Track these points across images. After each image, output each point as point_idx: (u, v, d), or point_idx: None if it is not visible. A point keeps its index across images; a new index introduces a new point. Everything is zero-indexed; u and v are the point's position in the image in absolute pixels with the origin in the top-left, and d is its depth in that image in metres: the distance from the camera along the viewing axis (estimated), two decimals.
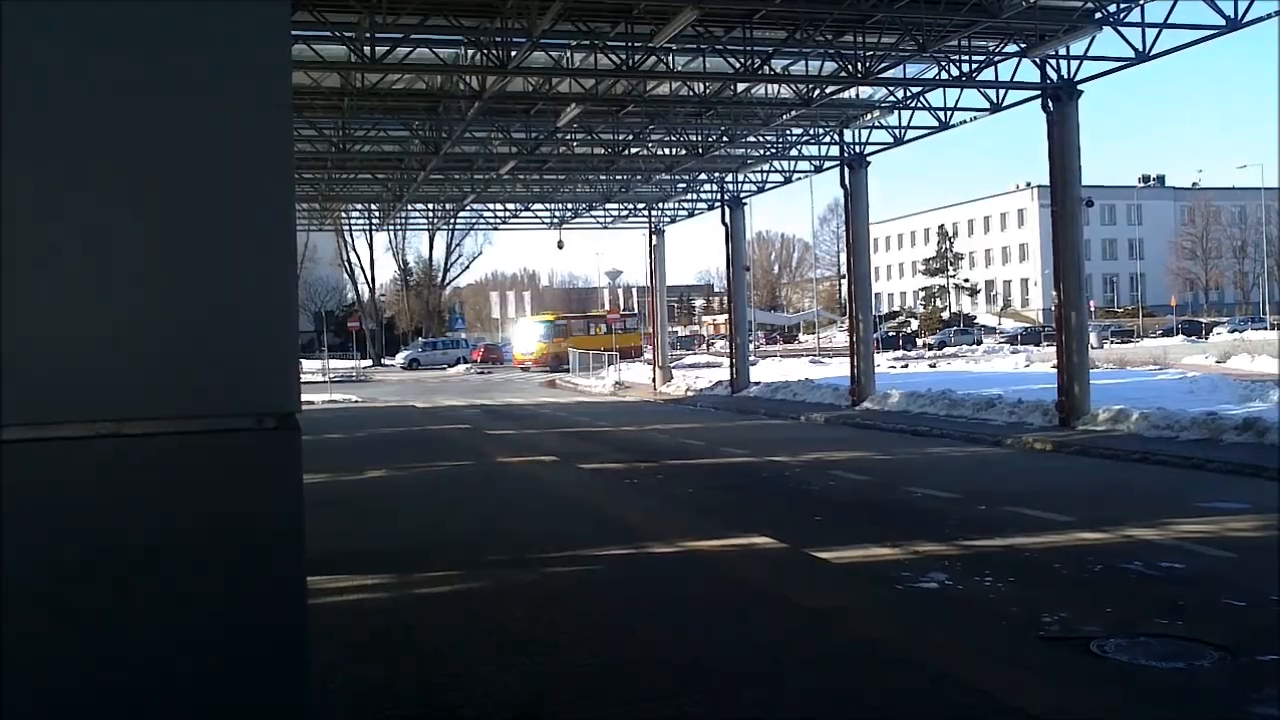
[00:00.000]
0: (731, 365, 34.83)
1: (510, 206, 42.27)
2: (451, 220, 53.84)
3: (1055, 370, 21.52)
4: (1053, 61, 21.27)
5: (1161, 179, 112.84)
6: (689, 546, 9.83)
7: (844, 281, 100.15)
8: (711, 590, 8.30)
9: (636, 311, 68.42)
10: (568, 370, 52.91)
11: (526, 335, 63.89)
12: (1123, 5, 19.35)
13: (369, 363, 70.99)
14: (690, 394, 35.96)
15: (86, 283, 1.93)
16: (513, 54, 18.55)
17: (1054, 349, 22.34)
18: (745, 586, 8.34)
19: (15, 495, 1.87)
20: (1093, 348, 25.08)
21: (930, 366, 47.50)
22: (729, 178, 35.70)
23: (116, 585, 1.93)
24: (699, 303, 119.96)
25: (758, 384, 33.88)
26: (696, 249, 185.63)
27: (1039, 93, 21.61)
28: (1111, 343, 63.19)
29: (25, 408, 1.89)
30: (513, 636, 6.96)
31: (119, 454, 1.94)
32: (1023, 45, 21.16)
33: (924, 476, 14.84)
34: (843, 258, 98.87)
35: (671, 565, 9.16)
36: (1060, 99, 20.93)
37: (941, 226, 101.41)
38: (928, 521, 11.39)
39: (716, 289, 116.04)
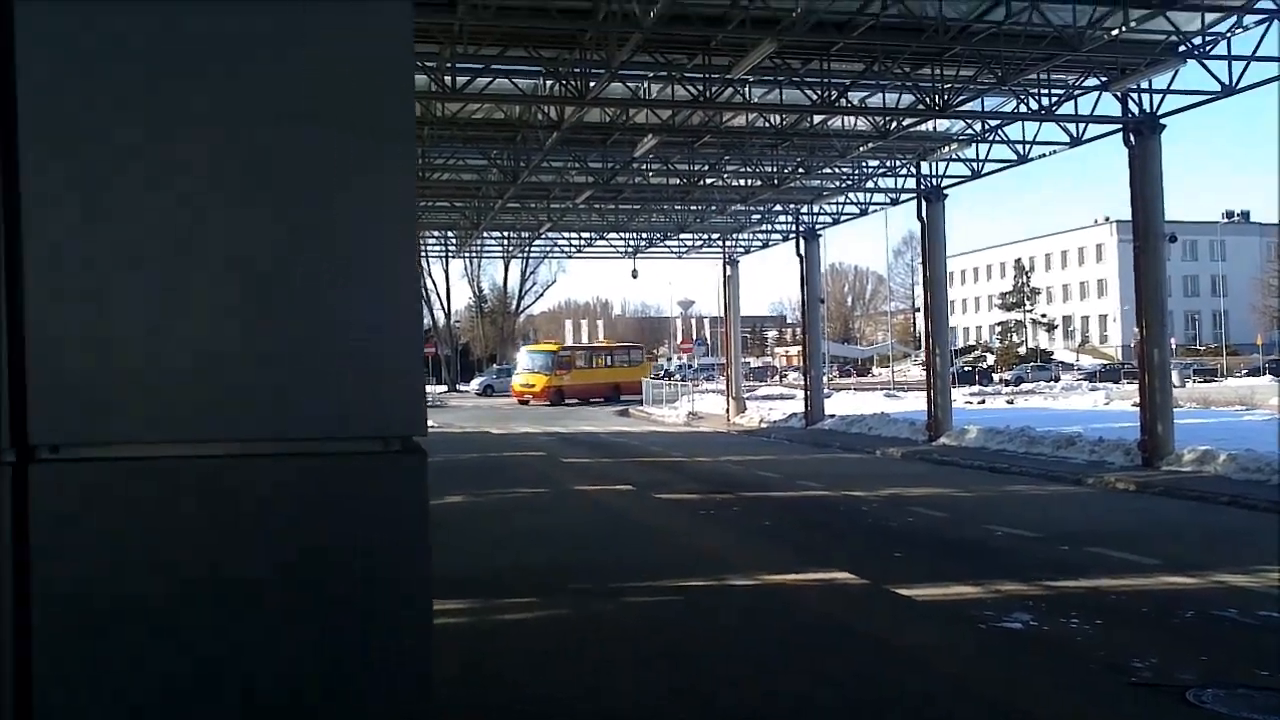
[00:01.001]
0: (806, 398, 34.58)
1: (585, 235, 42.53)
2: (526, 248, 54.28)
3: (1136, 408, 21.11)
4: (1134, 95, 20.96)
5: (1246, 214, 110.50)
6: (769, 580, 9.80)
7: (918, 315, 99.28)
8: (792, 624, 8.26)
9: (639, 344, 67.63)
10: (570, 405, 52.45)
11: (526, 366, 58.35)
12: (1208, 38, 19.04)
13: (444, 388, 71.65)
14: (764, 426, 35.76)
15: (216, 302, 1.96)
16: (591, 85, 18.72)
17: (1134, 386, 21.96)
18: (827, 622, 8.29)
19: (138, 511, 1.90)
20: (1175, 386, 24.55)
21: (1008, 402, 46.82)
22: (804, 209, 35.62)
23: (243, 605, 1.95)
24: (771, 334, 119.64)
25: (832, 417, 33.62)
26: (769, 280, 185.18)
27: (1120, 127, 21.30)
28: (1194, 381, 61.75)
29: (155, 425, 1.93)
30: (591, 664, 6.97)
31: (247, 473, 1.98)
32: (1104, 79, 20.90)
33: (1004, 514, 14.61)
34: (917, 290, 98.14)
35: (751, 598, 9.13)
36: (1142, 133, 20.61)
37: (1018, 260, 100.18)
38: (1009, 560, 11.20)
39: (789, 320, 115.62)
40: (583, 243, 44.04)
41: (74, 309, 1.91)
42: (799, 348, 63.88)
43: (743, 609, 8.90)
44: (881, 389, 58.00)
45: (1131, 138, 20.72)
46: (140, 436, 1.93)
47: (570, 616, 8.55)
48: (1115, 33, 17.61)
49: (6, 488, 1.86)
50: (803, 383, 36.98)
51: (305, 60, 2.03)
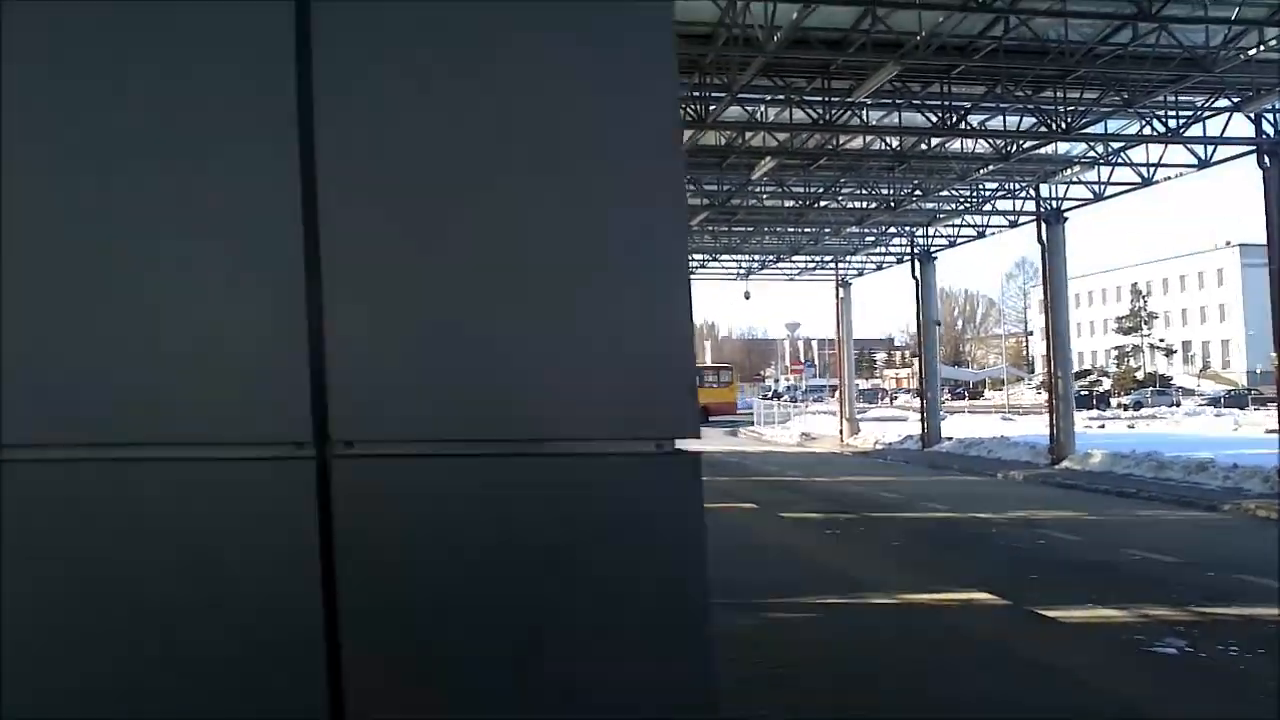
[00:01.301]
0: (922, 419, 34.26)
1: (698, 257, 42.68)
2: None
3: (1270, 435, 20.59)
4: (1269, 115, 20.50)
5: None
6: (907, 599, 9.83)
7: (1030, 338, 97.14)
8: (938, 642, 8.28)
9: (729, 365, 66.53)
10: None
11: None
12: None
13: None
14: (879, 447, 35.48)
15: (504, 303, 2.06)
16: (711, 108, 18.94)
17: (1262, 413, 21.36)
18: (973, 640, 8.30)
19: (428, 506, 2.02)
20: None
21: (1129, 427, 45.72)
22: (919, 231, 35.36)
23: (528, 600, 2.03)
24: (880, 356, 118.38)
25: (949, 439, 33.23)
26: (879, 302, 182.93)
27: (1253, 148, 20.84)
28: None
29: (443, 423, 2.05)
30: (739, 679, 7.09)
31: (529, 473, 2.06)
32: (1236, 99, 20.46)
33: (1139, 539, 14.34)
34: (1029, 314, 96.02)
35: (893, 616, 9.18)
36: (1278, 154, 20.13)
37: (1135, 284, 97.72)
38: (1152, 584, 11.02)
39: (897, 343, 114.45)
40: (696, 264, 44.20)
41: (368, 308, 2.02)
42: (909, 370, 63.15)
43: (886, 627, 8.94)
44: (995, 412, 57.01)
45: (1265, 160, 20.25)
46: (428, 434, 2.03)
47: (714, 632, 8.65)
48: (1252, 53, 17.28)
49: (312, 481, 1.97)
50: (914, 405, 36.64)
51: (584, 65, 2.13)
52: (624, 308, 2.10)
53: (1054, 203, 28.69)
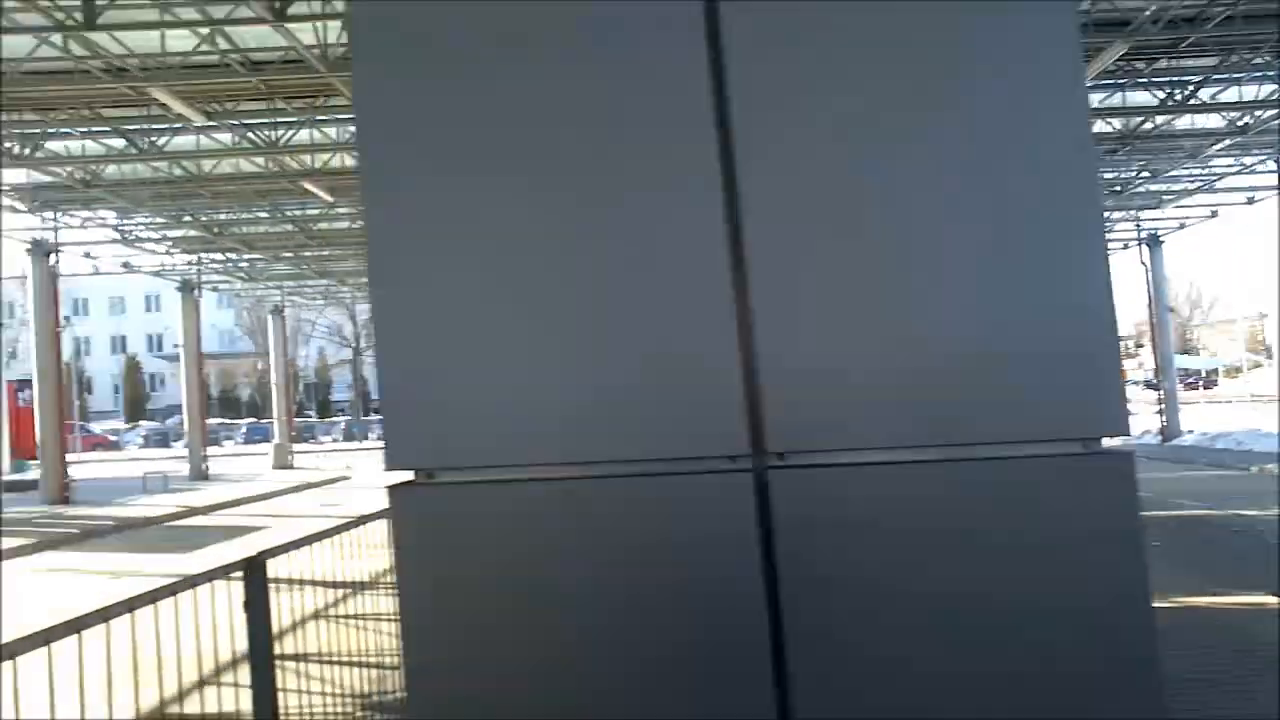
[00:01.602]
0: (1161, 412, 32.58)
1: None
2: None
3: None
4: None
5: None
6: (1187, 602, 9.30)
7: (1264, 320, 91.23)
8: (1244, 651, 7.78)
9: None
10: None
11: None
12: None
13: None
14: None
15: (935, 307, 2.08)
16: None
17: None
18: (1274, 648, 7.76)
19: (864, 513, 2.06)
20: None
21: None
22: (1145, 215, 33.67)
23: (957, 607, 2.03)
24: None
25: (1189, 432, 31.53)
26: None
27: None
28: None
29: (876, 432, 2.08)
30: None
31: (958, 478, 2.06)
32: None
33: None
34: (1265, 296, 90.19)
35: (1181, 621, 8.68)
36: None
37: None
38: None
39: (1120, 333, 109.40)
40: None
41: (794, 322, 2.08)
42: (1135, 361, 60.27)
43: (1174, 632, 8.47)
44: (1235, 402, 53.77)
45: None
46: (855, 443, 2.06)
47: None
48: None
49: (750, 492, 2.05)
50: (1143, 397, 34.88)
51: (991, 56, 2.13)
52: (1044, 302, 2.08)
53: None
